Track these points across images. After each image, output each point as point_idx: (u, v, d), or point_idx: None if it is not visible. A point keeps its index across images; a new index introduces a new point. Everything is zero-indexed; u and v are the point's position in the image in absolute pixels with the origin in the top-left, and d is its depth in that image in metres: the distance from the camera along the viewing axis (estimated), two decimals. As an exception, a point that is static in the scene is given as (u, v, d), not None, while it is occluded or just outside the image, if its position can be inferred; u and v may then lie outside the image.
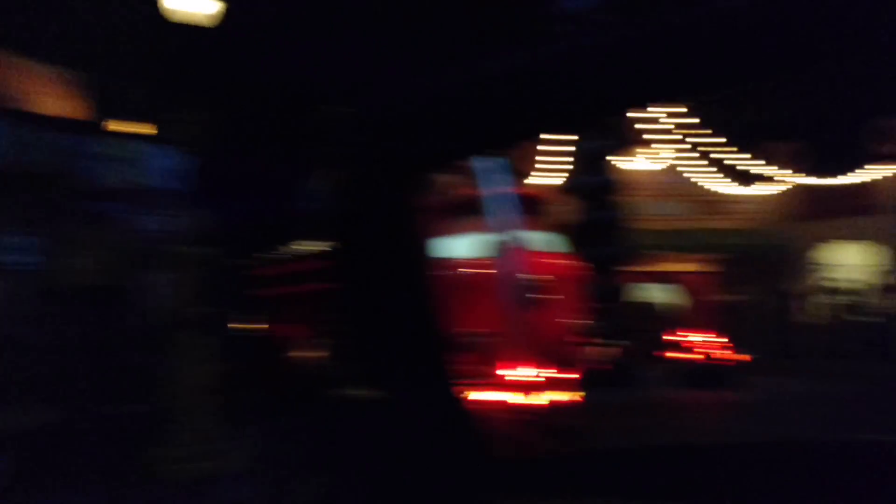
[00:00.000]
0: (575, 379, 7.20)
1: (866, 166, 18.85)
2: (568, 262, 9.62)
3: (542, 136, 15.79)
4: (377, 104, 1.25)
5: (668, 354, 13.10)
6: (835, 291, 19.35)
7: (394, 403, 1.21)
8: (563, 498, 1.27)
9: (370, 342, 1.22)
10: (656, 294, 20.96)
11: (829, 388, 13.18)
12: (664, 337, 13.63)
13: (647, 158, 18.46)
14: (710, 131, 17.37)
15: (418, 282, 1.25)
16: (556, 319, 8.56)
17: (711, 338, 12.80)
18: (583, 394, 7.12)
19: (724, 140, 17.92)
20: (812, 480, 1.34)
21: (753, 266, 20.34)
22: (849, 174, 19.09)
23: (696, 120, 15.72)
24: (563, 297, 8.82)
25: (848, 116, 18.64)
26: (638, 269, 19.85)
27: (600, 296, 13.59)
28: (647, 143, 17.16)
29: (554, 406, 6.86)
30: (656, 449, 1.55)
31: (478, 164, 8.65)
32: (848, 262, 19.64)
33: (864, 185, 19.03)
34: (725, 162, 18.55)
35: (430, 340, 1.24)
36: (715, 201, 20.08)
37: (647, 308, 18.76)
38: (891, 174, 18.66)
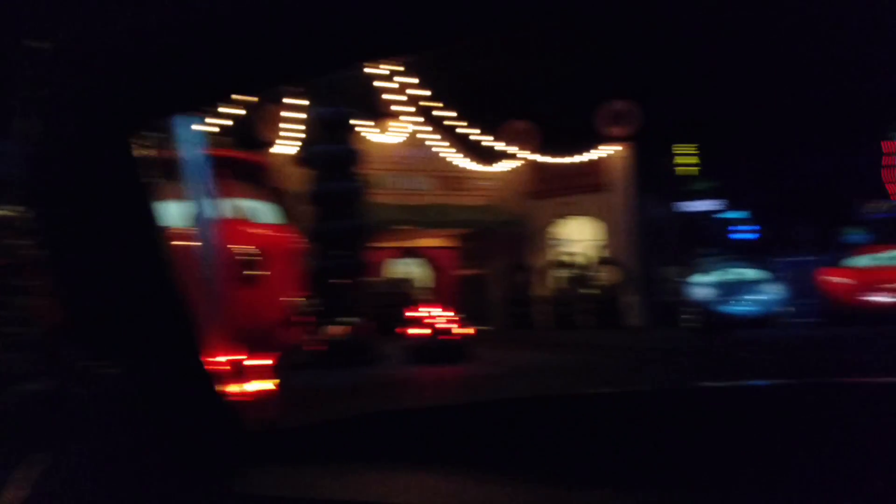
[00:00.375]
0: (269, 365, 6.36)
1: (598, 146, 19.94)
2: (282, 234, 8.71)
3: (280, 96, 14.79)
4: (79, 37, 1.05)
5: (407, 331, 12.74)
6: (567, 265, 20.33)
7: (130, 379, 1.16)
8: (310, 465, 1.28)
9: (90, 318, 1.15)
10: (399, 269, 20.83)
11: (556, 357, 13.61)
12: (405, 313, 13.25)
13: (390, 130, 18.05)
14: (452, 107, 17.35)
15: (145, 248, 1.17)
16: (265, 298, 7.65)
17: (443, 312, 12.63)
18: (277, 381, 6.31)
19: (465, 117, 18.03)
20: (524, 433, 1.43)
21: (493, 241, 20.86)
22: (582, 153, 20.10)
23: (429, 92, 15.48)
24: (274, 272, 7.92)
25: (582, 98, 19.56)
26: (381, 243, 19.54)
27: (337, 271, 12.93)
28: (390, 114, 16.72)
29: (243, 396, 5.98)
30: (393, 414, 1.62)
31: (182, 122, 7.45)
32: (579, 237, 20.72)
33: (594, 163, 20.12)
34: (467, 138, 18.69)
35: (167, 310, 1.19)
36: (457, 177, 20.23)
37: (390, 284, 18.47)
38: (618, 154, 19.88)
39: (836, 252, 18.57)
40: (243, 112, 14.61)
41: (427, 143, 18.80)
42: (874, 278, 14.70)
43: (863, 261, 15.71)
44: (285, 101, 14.71)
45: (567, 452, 1.35)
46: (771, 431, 1.36)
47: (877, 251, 16.38)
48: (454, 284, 21.59)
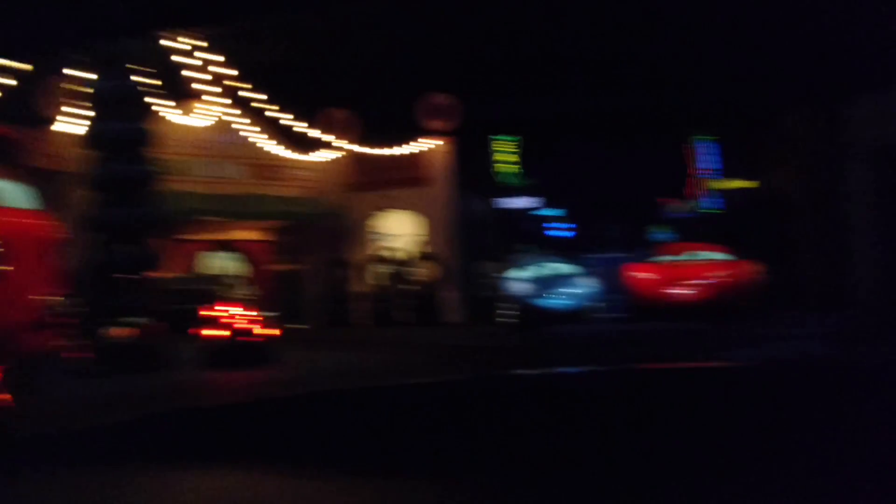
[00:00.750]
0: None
1: (419, 139, 19.52)
2: (34, 221, 7.40)
3: (61, 67, 13.09)
4: None
5: (201, 331, 11.58)
6: (387, 261, 19.79)
7: None
8: (83, 467, 1.25)
9: None
10: (209, 263, 19.42)
11: (369, 356, 13.07)
12: (201, 312, 12.05)
13: (195, 112, 16.61)
14: (264, 90, 16.24)
15: None
16: (3, 296, 6.40)
17: (244, 311, 11.60)
18: (8, 396, 5.20)
19: (280, 102, 16.98)
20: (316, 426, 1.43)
21: (311, 235, 19.92)
22: (403, 146, 19.62)
23: (236, 72, 14.32)
24: (19, 266, 6.65)
25: (401, 89, 19.10)
26: (189, 236, 18.08)
27: (120, 265, 11.56)
28: (194, 94, 15.32)
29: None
30: (171, 413, 1.59)
31: None
32: (399, 231, 20.25)
33: (415, 157, 19.70)
34: (282, 125, 17.62)
35: None
36: (272, 165, 19.09)
37: (189, 280, 17.06)
38: (439, 148, 19.55)
39: (642, 249, 19.35)
40: (17, 83, 12.79)
41: (237, 128, 17.51)
42: (675, 275, 15.30)
43: (665, 258, 16.35)
44: (67, 72, 13.00)
45: (366, 444, 1.32)
46: (577, 414, 1.41)
47: (678, 249, 17.14)
48: (269, 280, 20.47)
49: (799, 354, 10.36)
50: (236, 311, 11.62)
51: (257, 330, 11.35)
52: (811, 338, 12.48)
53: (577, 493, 1.13)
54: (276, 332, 11.55)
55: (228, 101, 15.35)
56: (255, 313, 11.55)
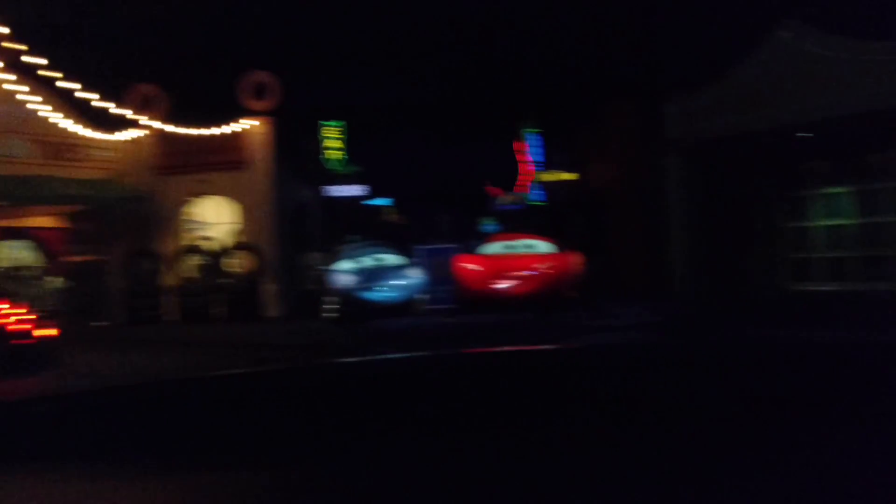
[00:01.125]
0: None
1: (237, 119, 18.14)
2: None
3: None
4: None
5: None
6: (201, 251, 18.27)
7: None
8: None
9: None
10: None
11: (169, 359, 11.91)
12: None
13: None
14: (52, 57, 14.33)
15: None
16: None
17: (15, 308, 10.00)
18: None
19: (72, 71, 15.09)
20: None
21: (113, 222, 18.01)
22: (218, 126, 18.15)
23: (7, 30, 12.46)
24: None
25: (218, 64, 17.73)
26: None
27: None
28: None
29: None
30: None
31: None
32: (215, 219, 18.78)
33: (232, 138, 18.29)
34: (76, 98, 15.69)
35: None
36: (66, 144, 17.01)
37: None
38: (258, 129, 18.26)
39: (471, 240, 19.14)
40: None
41: (22, 99, 15.37)
42: (500, 266, 15.08)
43: (491, 249, 16.12)
44: None
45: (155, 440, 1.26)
46: (401, 398, 1.41)
47: (504, 240, 16.98)
48: (65, 272, 18.39)
49: (618, 341, 10.36)
50: (4, 307, 9.97)
51: (28, 330, 9.78)
52: (630, 328, 12.66)
53: (398, 476, 1.11)
54: (53, 332, 10.03)
55: (0, 65, 13.32)
56: (25, 310, 9.96)
